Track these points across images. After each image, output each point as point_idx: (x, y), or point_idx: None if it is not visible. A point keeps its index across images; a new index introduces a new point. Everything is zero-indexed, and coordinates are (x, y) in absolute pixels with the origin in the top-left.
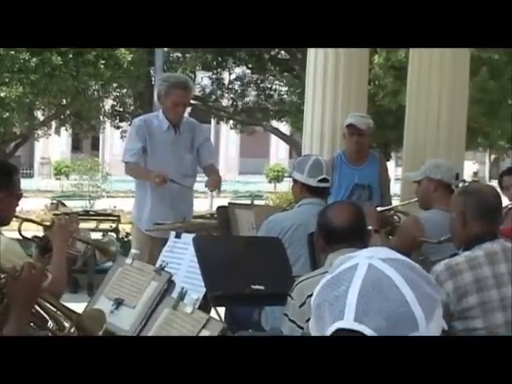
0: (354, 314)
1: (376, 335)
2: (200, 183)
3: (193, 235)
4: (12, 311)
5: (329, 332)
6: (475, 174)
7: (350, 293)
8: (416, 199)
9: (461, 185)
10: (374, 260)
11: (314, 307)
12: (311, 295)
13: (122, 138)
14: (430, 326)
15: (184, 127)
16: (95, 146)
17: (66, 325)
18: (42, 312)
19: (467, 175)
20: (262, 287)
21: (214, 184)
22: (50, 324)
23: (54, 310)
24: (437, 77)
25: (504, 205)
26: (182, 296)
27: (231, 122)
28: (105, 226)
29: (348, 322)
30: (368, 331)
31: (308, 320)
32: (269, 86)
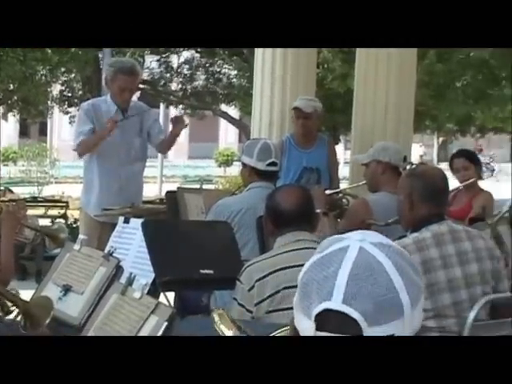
0: (342, 296)
1: (362, 319)
2: (149, 168)
3: (141, 220)
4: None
5: (315, 312)
6: (421, 156)
7: (339, 274)
8: (364, 182)
9: (408, 167)
10: (365, 244)
11: (300, 284)
12: (260, 279)
13: (70, 123)
14: (415, 312)
15: (132, 111)
16: (43, 131)
17: (14, 311)
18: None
19: (415, 158)
20: (211, 271)
21: (175, 130)
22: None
23: (1, 296)
24: (384, 60)
25: (454, 187)
26: (130, 281)
27: (180, 106)
28: (53, 212)
29: (336, 304)
30: (355, 314)
31: (257, 303)
32: (218, 69)
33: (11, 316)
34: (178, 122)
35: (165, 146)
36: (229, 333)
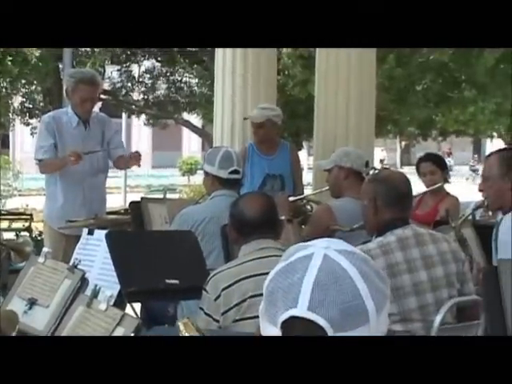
0: (307, 303)
1: (328, 326)
2: (113, 178)
3: (105, 231)
4: None
5: (281, 319)
6: (381, 161)
7: (304, 281)
8: (327, 188)
9: (371, 172)
10: (330, 251)
11: (266, 293)
12: (226, 288)
13: (32, 134)
14: (380, 318)
15: (94, 122)
16: (5, 143)
17: None
18: None
19: (378, 163)
20: (176, 281)
21: (132, 160)
22: None
23: None
24: (344, 65)
25: (421, 191)
26: (95, 293)
27: (143, 115)
28: (17, 225)
29: (301, 311)
30: (321, 321)
31: (224, 313)
32: (179, 78)
33: None
34: (135, 159)
35: (119, 166)
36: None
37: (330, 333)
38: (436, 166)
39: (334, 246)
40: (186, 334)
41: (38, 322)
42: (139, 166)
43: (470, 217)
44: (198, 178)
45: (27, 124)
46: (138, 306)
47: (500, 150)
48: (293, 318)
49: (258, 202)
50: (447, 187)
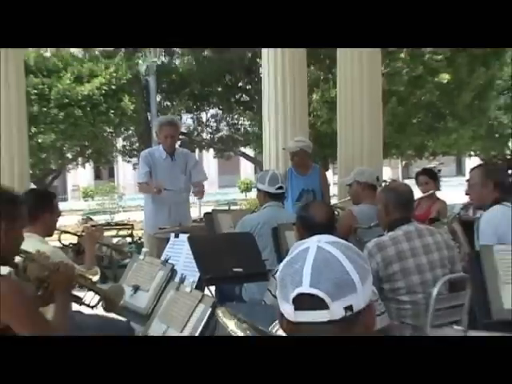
0: (309, 282)
1: (326, 296)
2: (191, 196)
3: (187, 235)
4: (56, 295)
5: (291, 296)
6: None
7: (305, 267)
8: (349, 198)
9: (383, 184)
10: (321, 243)
11: (278, 280)
12: None
13: (134, 169)
14: (365, 287)
15: (178, 155)
16: (111, 174)
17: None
18: (77, 294)
19: (386, 177)
20: (240, 269)
21: (197, 193)
22: (85, 300)
23: (87, 287)
24: (358, 108)
25: (418, 196)
26: (182, 280)
27: (211, 150)
28: (123, 233)
29: (305, 288)
30: (321, 293)
31: None
32: (236, 121)
33: (95, 301)
34: (199, 192)
35: (196, 195)
36: (230, 323)
37: (329, 301)
38: (429, 178)
39: (324, 239)
40: (224, 319)
41: (140, 302)
42: (202, 197)
43: (457, 215)
44: (252, 194)
45: (127, 161)
46: (212, 288)
47: (481, 165)
48: (300, 295)
49: (325, 209)
50: (438, 194)
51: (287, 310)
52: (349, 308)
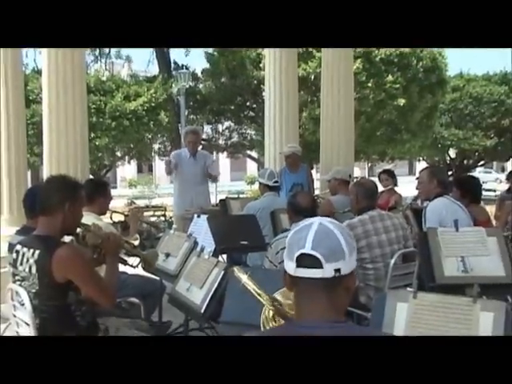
0: (311, 246)
1: (322, 258)
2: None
3: (207, 216)
4: (107, 258)
5: (295, 255)
6: (355, 177)
7: (308, 235)
8: (328, 190)
9: (354, 180)
10: (323, 221)
11: (287, 244)
12: (282, 248)
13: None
14: (351, 258)
15: (199, 156)
16: (150, 169)
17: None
18: (124, 257)
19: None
20: (246, 242)
21: (212, 179)
22: (129, 262)
23: (130, 252)
24: (336, 124)
25: (380, 190)
26: (202, 249)
27: (225, 152)
28: (158, 213)
29: (307, 250)
30: (318, 255)
31: (280, 262)
32: (244, 131)
33: (136, 262)
34: (213, 177)
35: (209, 178)
36: (244, 277)
37: (324, 262)
38: (389, 176)
39: (324, 220)
40: (239, 274)
41: (170, 265)
42: (215, 182)
43: (409, 205)
44: (256, 186)
45: (162, 159)
46: (225, 256)
47: (427, 168)
48: (302, 254)
49: (308, 198)
50: (395, 188)
51: (290, 266)
52: (338, 270)
